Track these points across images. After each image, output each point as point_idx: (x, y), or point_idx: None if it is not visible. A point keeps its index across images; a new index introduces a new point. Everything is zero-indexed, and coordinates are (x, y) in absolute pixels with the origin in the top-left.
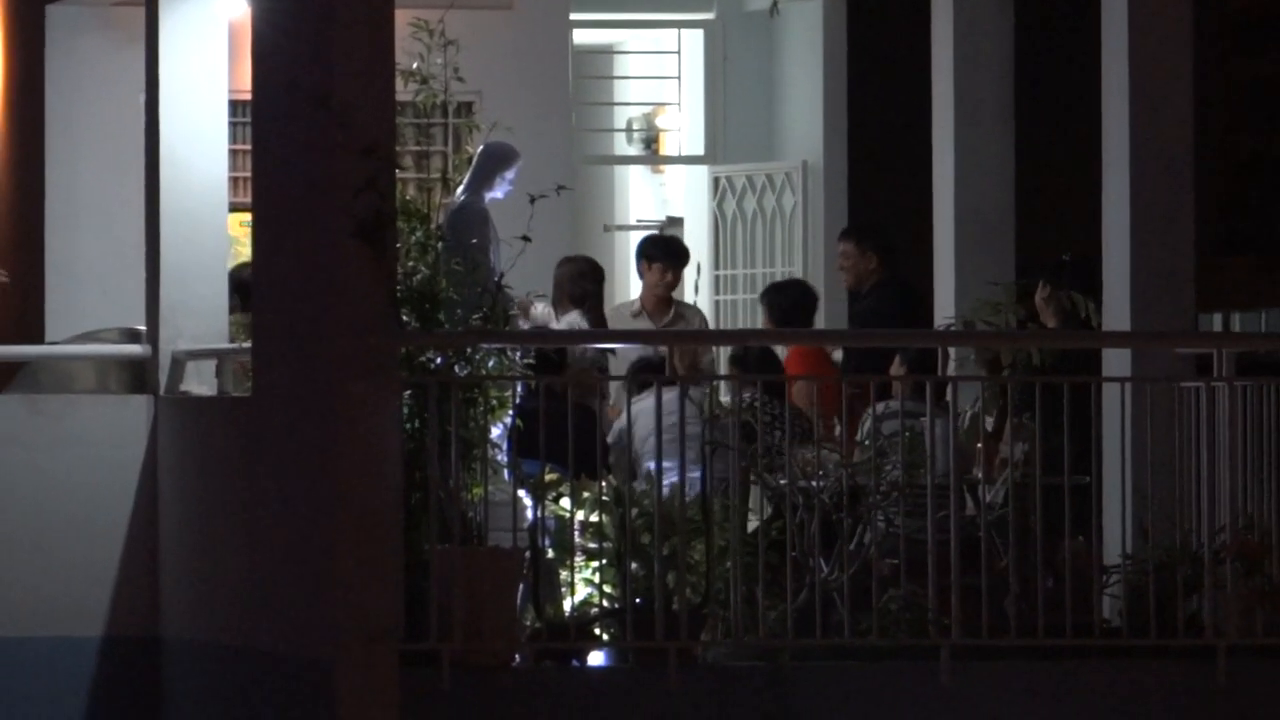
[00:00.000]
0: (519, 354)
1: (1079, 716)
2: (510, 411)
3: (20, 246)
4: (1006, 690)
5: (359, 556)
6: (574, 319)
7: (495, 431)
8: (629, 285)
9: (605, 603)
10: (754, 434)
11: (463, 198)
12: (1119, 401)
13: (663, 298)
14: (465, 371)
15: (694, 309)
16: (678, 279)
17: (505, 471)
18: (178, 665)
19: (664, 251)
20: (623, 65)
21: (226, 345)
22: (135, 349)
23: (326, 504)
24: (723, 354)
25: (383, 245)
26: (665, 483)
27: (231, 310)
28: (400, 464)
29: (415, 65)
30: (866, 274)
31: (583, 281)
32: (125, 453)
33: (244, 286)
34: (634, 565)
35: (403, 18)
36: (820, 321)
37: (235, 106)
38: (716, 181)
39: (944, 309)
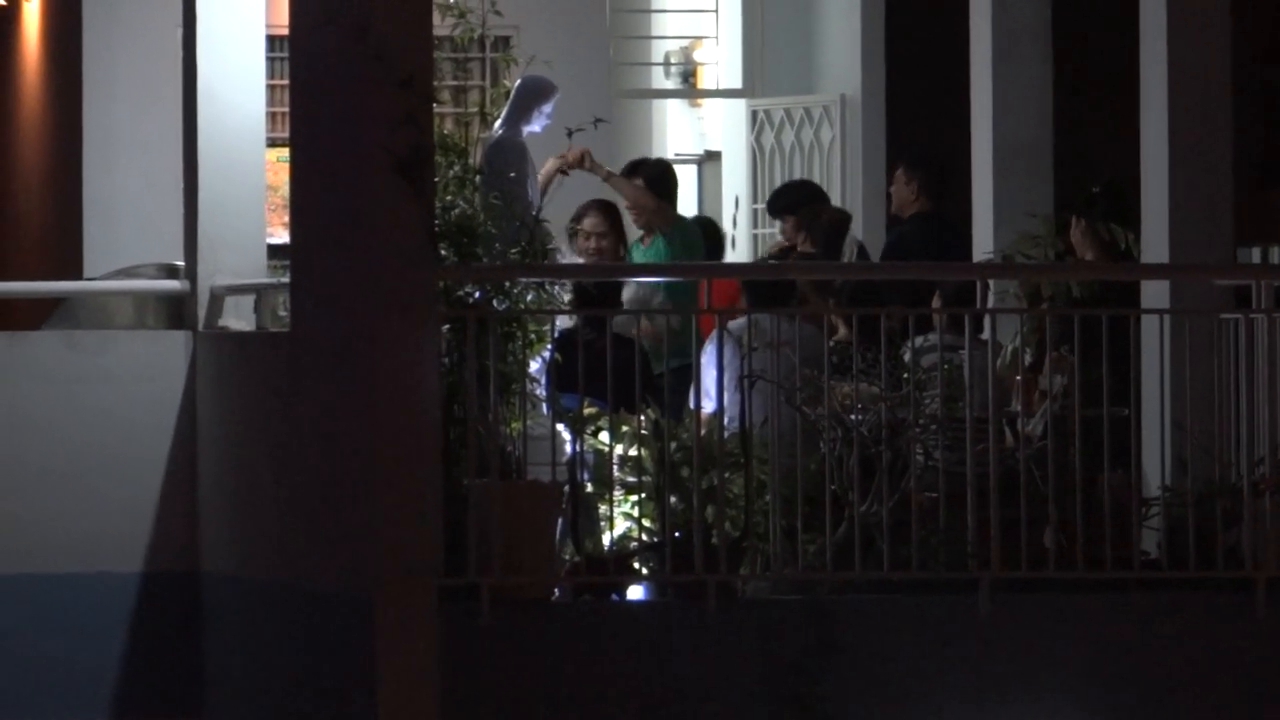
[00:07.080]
0: (558, 288)
1: (1118, 648)
2: (549, 346)
3: (58, 182)
4: (1045, 622)
5: (397, 491)
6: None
7: (534, 366)
8: None
9: (644, 536)
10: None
11: (500, 132)
12: (1158, 334)
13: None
14: (504, 306)
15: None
16: None
17: (544, 406)
18: (217, 601)
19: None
20: None
21: (265, 280)
22: (173, 284)
23: (365, 439)
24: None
25: (420, 180)
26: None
27: None
28: (438, 398)
29: None
30: (907, 203)
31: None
32: (163, 388)
33: None
34: (673, 499)
35: None
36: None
37: (273, 41)
38: (754, 115)
39: (982, 242)
